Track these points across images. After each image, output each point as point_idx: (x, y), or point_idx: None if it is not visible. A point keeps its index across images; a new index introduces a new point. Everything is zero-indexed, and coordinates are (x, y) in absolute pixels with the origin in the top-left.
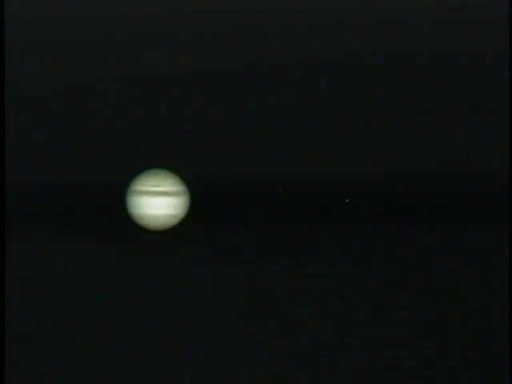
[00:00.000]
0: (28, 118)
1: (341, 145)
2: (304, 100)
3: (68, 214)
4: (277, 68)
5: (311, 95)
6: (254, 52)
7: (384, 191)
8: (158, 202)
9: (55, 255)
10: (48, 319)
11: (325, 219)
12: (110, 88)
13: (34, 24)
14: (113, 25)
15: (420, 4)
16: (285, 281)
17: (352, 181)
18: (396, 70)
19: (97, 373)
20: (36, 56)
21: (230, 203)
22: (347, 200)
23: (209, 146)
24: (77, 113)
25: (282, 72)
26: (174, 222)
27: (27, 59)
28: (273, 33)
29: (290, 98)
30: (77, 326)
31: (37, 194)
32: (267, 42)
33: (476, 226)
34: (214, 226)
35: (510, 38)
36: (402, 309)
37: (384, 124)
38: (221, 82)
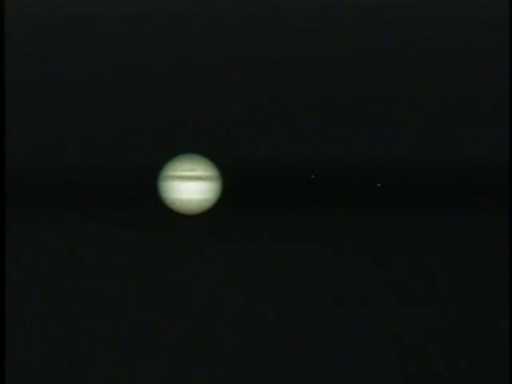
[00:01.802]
0: (58, 104)
1: (373, 129)
2: (335, 84)
3: (100, 199)
4: (310, 54)
5: (343, 79)
6: (283, 43)
7: (416, 176)
8: (190, 186)
9: (88, 240)
10: (78, 306)
11: (357, 203)
12: (143, 73)
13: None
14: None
15: (419, 3)
16: (317, 265)
17: (384, 165)
18: (415, 66)
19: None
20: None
21: (262, 188)
22: (379, 184)
23: (241, 130)
24: (111, 98)
25: (315, 58)
26: (206, 206)
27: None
28: (292, 29)
29: (321, 82)
30: (108, 313)
31: (69, 179)
32: (289, 37)
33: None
34: (247, 211)
35: (510, 38)
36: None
37: (415, 110)
38: (256, 68)
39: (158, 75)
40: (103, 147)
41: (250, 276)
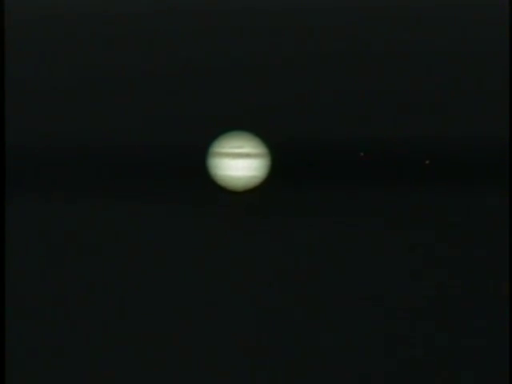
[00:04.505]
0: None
1: (420, 107)
2: (382, 62)
3: (150, 175)
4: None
5: (390, 59)
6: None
7: (463, 153)
8: (239, 163)
9: (138, 216)
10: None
11: (405, 181)
12: (195, 54)
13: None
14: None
15: (419, 2)
16: (365, 242)
17: (432, 143)
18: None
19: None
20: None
21: (310, 165)
22: (427, 161)
23: (290, 108)
24: (162, 76)
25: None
26: (255, 183)
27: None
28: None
29: (368, 60)
30: (153, 290)
31: (121, 157)
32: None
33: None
34: (295, 188)
35: (510, 38)
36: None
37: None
38: (309, 52)
39: (210, 56)
40: (155, 125)
41: (298, 251)
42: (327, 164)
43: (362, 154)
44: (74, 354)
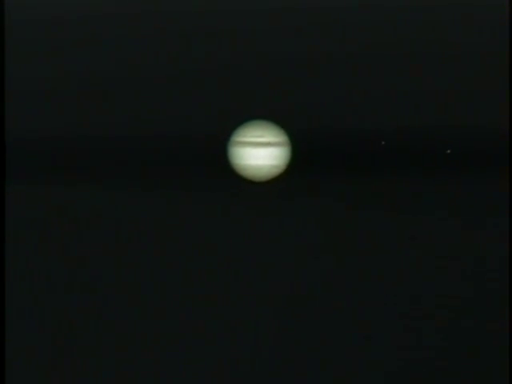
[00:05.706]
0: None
1: (439, 97)
2: (407, 54)
3: (172, 165)
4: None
5: (414, 50)
6: None
7: (484, 142)
8: (260, 152)
9: (160, 205)
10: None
11: (426, 169)
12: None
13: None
14: None
15: (420, 3)
16: (386, 229)
17: (449, 132)
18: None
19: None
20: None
21: (331, 154)
22: (448, 151)
23: (311, 97)
24: (187, 68)
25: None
26: (276, 172)
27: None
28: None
29: (394, 52)
30: (178, 276)
31: (144, 147)
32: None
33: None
34: (316, 177)
35: (510, 38)
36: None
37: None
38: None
39: (235, 51)
40: (175, 115)
41: (318, 240)
42: (348, 152)
43: (383, 142)
44: (73, 353)
